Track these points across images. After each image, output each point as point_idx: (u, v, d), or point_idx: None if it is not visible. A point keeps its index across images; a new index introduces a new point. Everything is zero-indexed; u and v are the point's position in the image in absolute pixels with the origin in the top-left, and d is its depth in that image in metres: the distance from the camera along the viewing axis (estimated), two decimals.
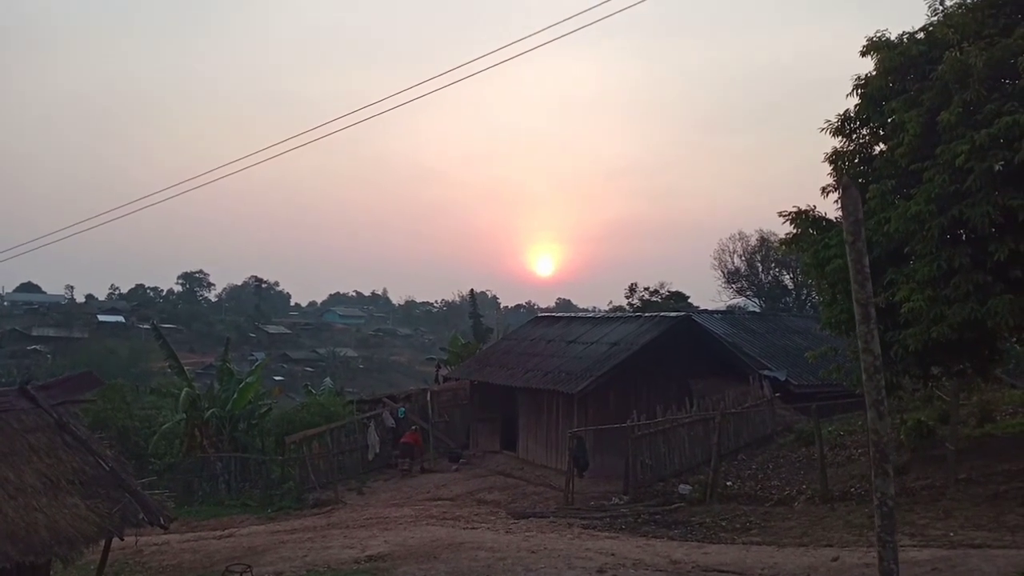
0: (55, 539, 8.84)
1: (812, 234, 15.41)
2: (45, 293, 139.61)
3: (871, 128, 15.25)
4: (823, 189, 15.45)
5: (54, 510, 9.13)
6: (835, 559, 10.52)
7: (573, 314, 37.45)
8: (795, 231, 15.74)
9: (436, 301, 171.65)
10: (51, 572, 9.79)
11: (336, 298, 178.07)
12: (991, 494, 13.32)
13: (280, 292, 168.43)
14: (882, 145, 15.03)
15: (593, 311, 51.44)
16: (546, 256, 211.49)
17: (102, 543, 10.46)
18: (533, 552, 12.25)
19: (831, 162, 15.33)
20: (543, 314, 38.94)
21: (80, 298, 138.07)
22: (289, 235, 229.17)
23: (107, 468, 10.11)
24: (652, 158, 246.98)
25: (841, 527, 13.50)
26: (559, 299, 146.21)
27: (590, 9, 11.85)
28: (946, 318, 12.50)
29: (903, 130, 13.45)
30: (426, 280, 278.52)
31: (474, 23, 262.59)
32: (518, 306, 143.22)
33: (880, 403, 3.54)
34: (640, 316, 27.60)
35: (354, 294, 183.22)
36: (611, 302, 47.43)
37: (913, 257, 13.38)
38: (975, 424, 17.87)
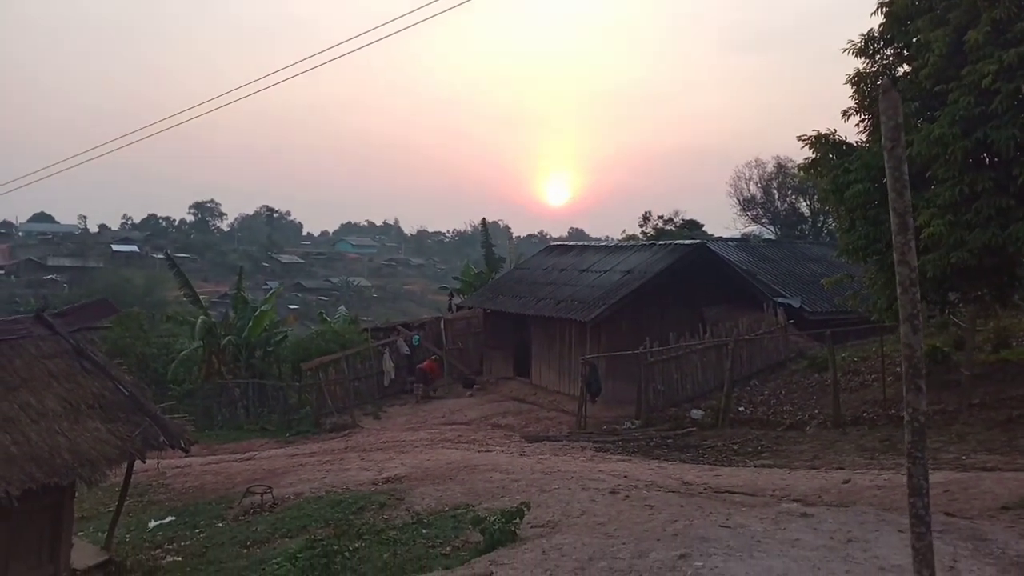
0: (78, 461, 9.01)
1: (832, 159, 15.09)
2: (58, 223, 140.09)
3: (895, 48, 14.78)
4: (844, 112, 15.05)
5: (75, 434, 9.28)
6: (846, 481, 10.57)
7: (586, 243, 37.29)
8: (814, 156, 15.41)
9: (448, 231, 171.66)
10: (75, 494, 10.00)
11: (348, 228, 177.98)
12: (1004, 419, 13.35)
13: (292, 221, 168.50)
14: (906, 66, 14.59)
15: (606, 240, 51.21)
16: (559, 185, 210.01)
17: (124, 465, 10.66)
18: (547, 474, 12.41)
19: (853, 84, 14.88)
20: (556, 243, 38.79)
21: (93, 228, 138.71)
22: (300, 164, 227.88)
23: (126, 393, 10.24)
24: (668, 82, 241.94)
25: (853, 451, 13.61)
26: (572, 228, 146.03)
27: None
28: (966, 243, 12.34)
29: (928, 50, 13.03)
30: (438, 210, 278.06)
31: None
32: (530, 236, 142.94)
33: (915, 316, 3.45)
34: (654, 244, 27.40)
35: (366, 224, 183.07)
36: (624, 231, 47.05)
37: (935, 181, 13.12)
38: (990, 350, 17.82)
